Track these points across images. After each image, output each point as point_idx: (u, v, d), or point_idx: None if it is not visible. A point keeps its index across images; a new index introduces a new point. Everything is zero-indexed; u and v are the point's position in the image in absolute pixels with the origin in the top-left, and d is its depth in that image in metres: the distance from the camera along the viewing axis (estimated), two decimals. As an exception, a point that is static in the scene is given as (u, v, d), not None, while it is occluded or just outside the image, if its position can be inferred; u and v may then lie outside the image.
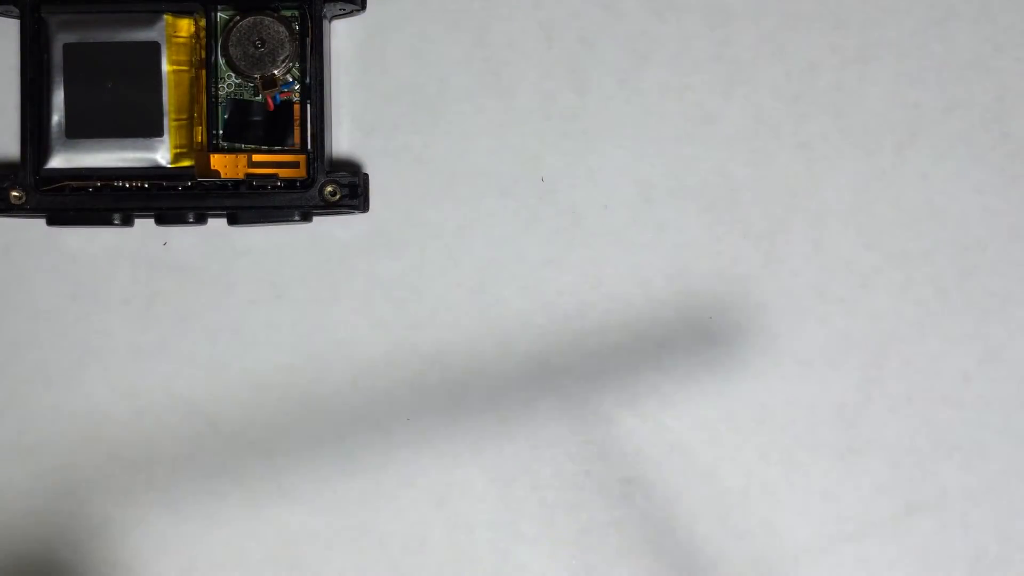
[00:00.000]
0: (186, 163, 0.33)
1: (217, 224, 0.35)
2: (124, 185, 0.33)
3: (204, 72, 0.33)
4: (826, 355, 0.34)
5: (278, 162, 0.33)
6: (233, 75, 0.33)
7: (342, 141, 0.35)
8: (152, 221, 0.34)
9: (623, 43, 0.35)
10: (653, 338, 0.35)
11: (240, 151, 0.33)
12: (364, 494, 0.35)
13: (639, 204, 0.35)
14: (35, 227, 0.34)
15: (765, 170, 0.35)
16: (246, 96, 0.33)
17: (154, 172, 0.33)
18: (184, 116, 0.33)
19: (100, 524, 0.35)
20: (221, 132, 0.33)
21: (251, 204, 0.33)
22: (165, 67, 0.33)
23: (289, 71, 0.33)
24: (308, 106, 0.33)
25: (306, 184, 0.33)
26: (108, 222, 0.33)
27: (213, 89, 0.33)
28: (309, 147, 0.33)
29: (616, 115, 0.35)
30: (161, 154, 0.33)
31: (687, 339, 0.35)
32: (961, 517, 0.34)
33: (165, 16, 0.33)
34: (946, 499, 0.34)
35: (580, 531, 0.35)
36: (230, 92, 0.33)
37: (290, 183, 0.33)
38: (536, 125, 0.35)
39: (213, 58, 0.33)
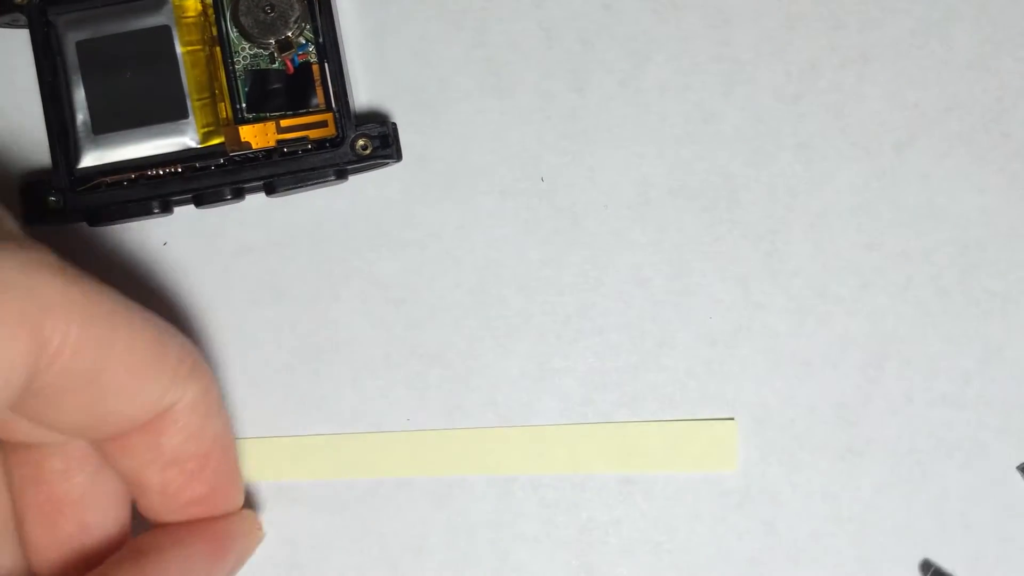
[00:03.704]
0: (216, 140, 0.33)
1: (217, 223, 0.35)
2: (158, 173, 0.33)
3: (218, 48, 0.33)
4: (826, 355, 0.34)
5: (306, 124, 0.33)
6: (247, 46, 0.33)
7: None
8: (171, 215, 0.34)
9: (623, 43, 0.35)
10: (653, 338, 0.35)
11: (267, 119, 0.33)
12: (364, 494, 0.35)
13: (639, 204, 0.35)
14: (34, 227, 0.34)
15: (765, 170, 0.35)
16: (263, 65, 0.33)
17: (186, 154, 0.33)
18: (206, 94, 0.33)
19: (100, 524, 0.35)
20: (244, 105, 0.33)
21: (286, 170, 0.33)
22: (179, 49, 0.33)
23: (302, 32, 0.33)
24: (326, 64, 0.33)
25: (336, 142, 0.33)
26: (148, 212, 0.33)
27: (230, 63, 0.33)
28: (334, 104, 0.33)
29: (616, 115, 0.35)
30: (190, 135, 0.33)
31: (687, 339, 0.35)
32: (961, 517, 0.34)
33: (171, -2, 0.33)
34: (946, 499, 0.34)
35: (580, 531, 0.35)
36: (247, 64, 0.33)
37: (320, 143, 0.33)
38: (536, 125, 0.35)
39: (225, 32, 0.33)
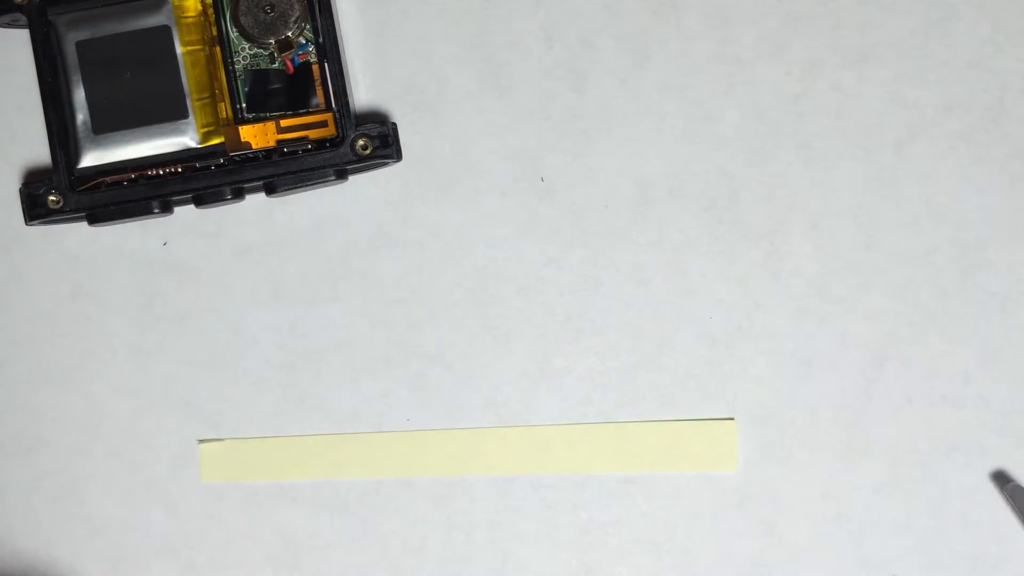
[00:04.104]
0: (216, 140, 0.33)
1: (217, 223, 0.35)
2: (158, 173, 0.33)
3: (218, 48, 0.33)
4: (826, 355, 0.34)
5: (306, 124, 0.33)
6: (247, 47, 0.33)
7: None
8: (171, 215, 0.34)
9: (623, 43, 0.35)
10: (653, 338, 0.35)
11: (267, 119, 0.33)
12: (364, 494, 0.35)
13: (639, 204, 0.35)
14: (35, 226, 0.34)
15: (765, 170, 0.34)
16: (263, 65, 0.33)
17: (186, 154, 0.33)
18: (206, 94, 0.33)
19: (100, 524, 0.35)
20: (244, 105, 0.33)
21: (286, 170, 0.33)
22: (179, 49, 0.33)
23: (302, 32, 0.33)
24: (326, 64, 0.33)
25: (336, 142, 0.33)
26: (148, 211, 0.33)
27: (230, 63, 0.33)
28: (334, 104, 0.33)
29: (616, 115, 0.35)
30: (190, 135, 0.33)
31: (687, 339, 0.34)
32: (961, 517, 0.34)
33: (171, -3, 0.33)
34: (946, 499, 0.34)
35: (580, 531, 0.35)
36: (247, 64, 0.33)
37: (320, 143, 0.33)
38: (536, 125, 0.35)
39: (225, 32, 0.33)
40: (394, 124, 0.34)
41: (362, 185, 0.35)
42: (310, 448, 0.34)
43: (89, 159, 0.33)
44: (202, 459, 0.35)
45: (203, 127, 0.33)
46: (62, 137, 0.33)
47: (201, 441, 0.35)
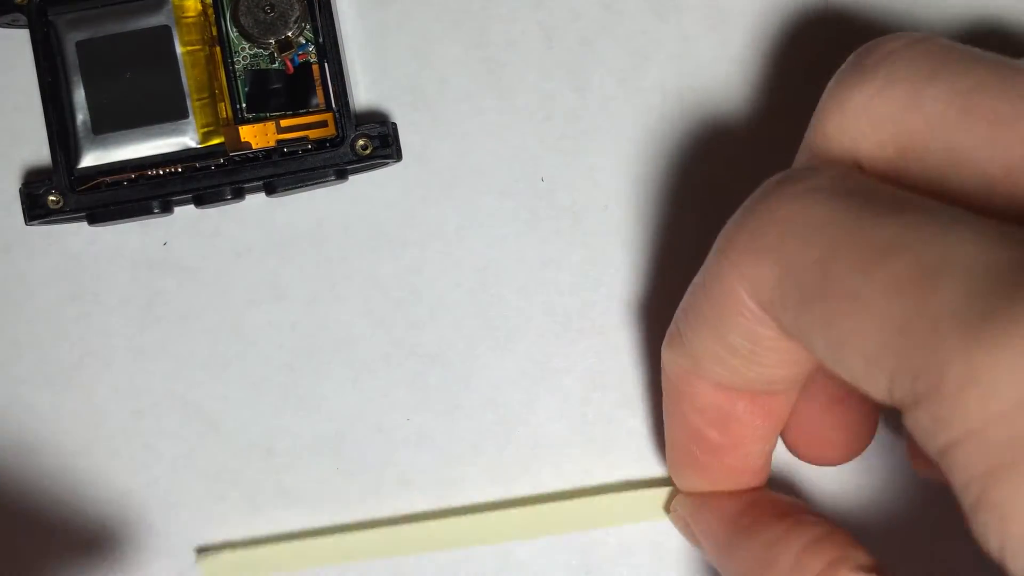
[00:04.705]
0: (216, 140, 0.33)
1: (217, 223, 0.35)
2: (158, 173, 0.33)
3: (218, 48, 0.33)
4: (826, 355, 0.34)
5: (306, 124, 0.33)
6: (247, 46, 0.33)
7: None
8: (171, 215, 0.34)
9: (623, 43, 0.35)
10: (653, 338, 0.35)
11: (267, 119, 0.33)
12: (364, 494, 0.35)
13: (639, 204, 0.35)
14: (34, 226, 0.34)
15: (767, 169, 0.34)
16: (263, 65, 0.33)
17: (186, 154, 0.33)
18: (206, 94, 0.33)
19: (100, 524, 0.35)
20: (244, 105, 0.33)
21: (286, 170, 0.33)
22: (179, 49, 0.33)
23: (302, 32, 0.33)
24: (326, 64, 0.33)
25: (336, 142, 0.33)
26: (148, 212, 0.33)
27: (230, 63, 0.33)
28: (334, 104, 0.33)
29: (616, 115, 0.35)
30: (190, 135, 0.33)
31: (687, 339, 0.34)
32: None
33: (171, -2, 0.33)
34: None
35: (580, 531, 0.34)
36: (247, 64, 0.33)
37: (320, 143, 0.33)
38: (536, 125, 0.35)
39: (225, 32, 0.33)
40: (394, 124, 0.34)
41: (362, 185, 0.35)
42: (317, 547, 0.34)
43: (89, 159, 0.33)
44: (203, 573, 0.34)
45: (203, 127, 0.33)
46: (62, 137, 0.33)
47: (200, 551, 0.34)
